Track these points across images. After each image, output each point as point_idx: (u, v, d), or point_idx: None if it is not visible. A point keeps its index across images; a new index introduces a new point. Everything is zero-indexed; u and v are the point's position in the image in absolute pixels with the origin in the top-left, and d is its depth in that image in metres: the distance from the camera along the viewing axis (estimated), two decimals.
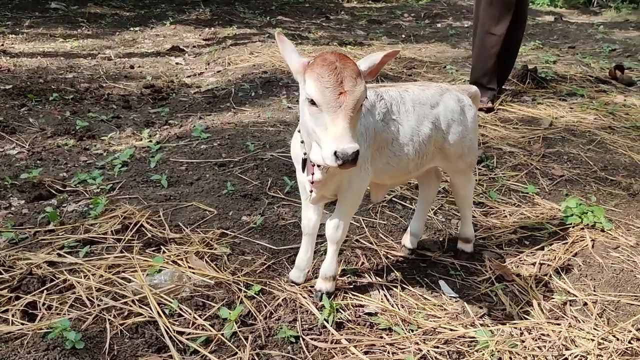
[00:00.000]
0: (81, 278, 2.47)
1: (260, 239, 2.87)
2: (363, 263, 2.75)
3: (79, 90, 5.24)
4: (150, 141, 4.15)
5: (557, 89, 5.86)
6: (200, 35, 8.06)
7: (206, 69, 6.34)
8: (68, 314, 2.23)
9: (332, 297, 2.44)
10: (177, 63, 6.59)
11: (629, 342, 2.30)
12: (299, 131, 2.12)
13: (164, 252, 2.70)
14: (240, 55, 6.64)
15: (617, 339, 2.31)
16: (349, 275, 2.64)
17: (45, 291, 2.37)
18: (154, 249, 2.72)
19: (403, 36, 8.73)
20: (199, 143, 4.03)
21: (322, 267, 2.46)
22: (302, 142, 2.07)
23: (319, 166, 2.04)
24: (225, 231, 2.90)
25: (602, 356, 2.22)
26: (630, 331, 2.35)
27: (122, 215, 2.95)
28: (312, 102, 1.80)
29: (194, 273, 2.52)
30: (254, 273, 2.59)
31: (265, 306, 2.38)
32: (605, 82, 6.20)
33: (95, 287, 2.40)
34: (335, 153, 1.72)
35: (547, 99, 5.50)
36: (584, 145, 4.39)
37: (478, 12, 5.13)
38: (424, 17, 10.57)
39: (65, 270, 2.53)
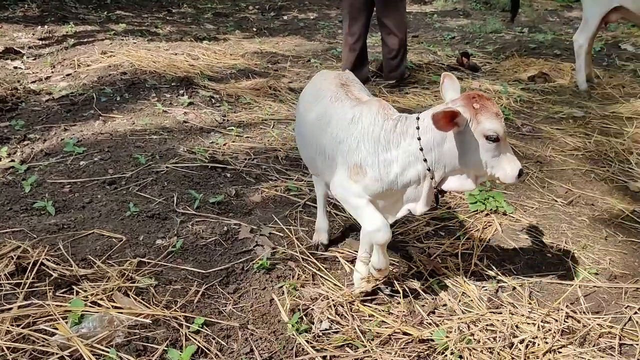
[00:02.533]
0: None
1: (184, 263, 2.62)
2: (300, 275, 2.63)
3: None
4: (13, 160, 3.62)
5: (417, 77, 6.13)
6: (33, 34, 7.22)
7: (52, 72, 5.69)
8: None
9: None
10: (15, 67, 5.83)
11: (565, 321, 2.45)
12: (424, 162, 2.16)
13: (77, 292, 2.35)
14: (90, 55, 6.05)
15: (555, 320, 2.45)
16: (290, 293, 2.50)
17: None
18: (65, 290, 2.36)
19: (254, 29, 8.58)
20: (75, 159, 3.59)
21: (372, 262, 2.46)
22: (432, 178, 2.18)
23: (444, 193, 2.32)
24: (143, 259, 2.61)
25: (547, 338, 2.34)
26: (563, 310, 2.51)
27: (13, 255, 2.52)
28: (494, 139, 2.05)
29: (123, 313, 2.22)
30: (191, 303, 2.36)
31: (214, 339, 2.17)
32: (456, 69, 6.61)
33: (7, 347, 2.02)
34: (520, 171, 2.11)
35: (412, 89, 5.73)
36: None
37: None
38: (269, 9, 10.49)
39: None
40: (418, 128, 2.13)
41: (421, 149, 2.12)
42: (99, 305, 2.27)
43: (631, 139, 4.51)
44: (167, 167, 3.46)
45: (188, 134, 4.11)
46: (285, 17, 9.98)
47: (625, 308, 2.56)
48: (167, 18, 9.16)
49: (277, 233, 2.92)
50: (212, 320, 2.26)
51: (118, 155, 3.62)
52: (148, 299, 2.35)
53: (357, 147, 2.19)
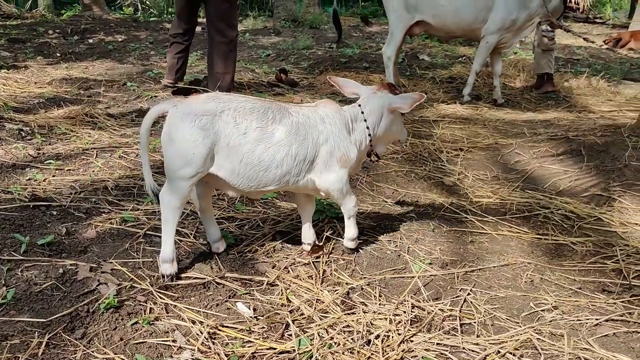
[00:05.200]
0: None
1: (19, 314, 2.36)
2: (152, 309, 2.50)
3: None
4: None
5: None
6: None
7: None
8: None
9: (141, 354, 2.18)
10: None
11: (412, 311, 2.64)
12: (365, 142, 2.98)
13: None
14: None
15: (404, 312, 2.62)
16: (145, 328, 2.37)
17: None
18: None
19: (58, 55, 8.03)
20: None
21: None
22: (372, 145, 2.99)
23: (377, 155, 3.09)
24: None
25: (400, 330, 2.50)
26: (409, 301, 2.70)
27: None
28: (404, 112, 2.97)
29: None
30: (35, 357, 2.13)
31: None
32: (276, 86, 6.80)
33: None
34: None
35: None
36: None
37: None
38: (71, 33, 9.87)
39: None
40: (363, 112, 2.90)
41: (368, 127, 2.91)
42: None
43: (440, 139, 5.00)
44: None
45: None
46: (90, 41, 9.47)
47: (460, 291, 2.83)
48: None
49: (120, 268, 2.76)
50: None
51: None
52: None
53: (342, 139, 2.80)
